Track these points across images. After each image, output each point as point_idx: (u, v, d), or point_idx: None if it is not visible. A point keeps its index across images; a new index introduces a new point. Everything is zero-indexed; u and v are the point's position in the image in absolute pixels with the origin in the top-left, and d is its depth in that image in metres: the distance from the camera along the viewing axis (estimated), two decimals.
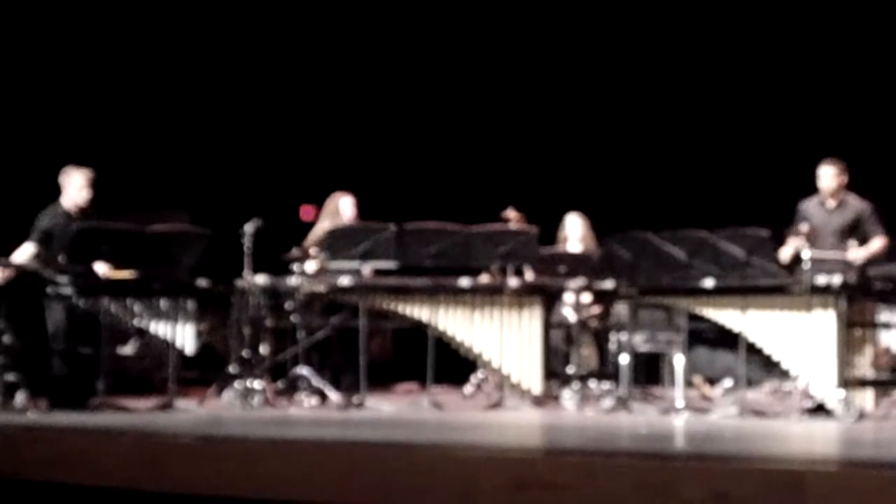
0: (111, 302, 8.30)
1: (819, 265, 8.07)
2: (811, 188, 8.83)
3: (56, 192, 8.68)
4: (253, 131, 12.52)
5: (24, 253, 8.46)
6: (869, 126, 11.12)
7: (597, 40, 12.30)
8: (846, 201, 8.52)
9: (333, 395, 8.83)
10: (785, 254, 8.18)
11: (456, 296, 8.79)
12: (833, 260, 8.28)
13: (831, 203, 8.51)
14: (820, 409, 7.74)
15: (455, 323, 8.79)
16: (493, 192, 10.63)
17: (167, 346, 8.57)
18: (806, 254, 7.90)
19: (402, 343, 11.63)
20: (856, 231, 8.47)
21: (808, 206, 8.61)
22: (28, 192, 9.68)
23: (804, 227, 8.13)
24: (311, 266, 9.04)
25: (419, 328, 8.99)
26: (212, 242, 8.53)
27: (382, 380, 11.14)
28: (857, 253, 8.34)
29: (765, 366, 8.51)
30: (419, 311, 8.77)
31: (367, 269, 8.88)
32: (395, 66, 12.57)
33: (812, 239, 8.20)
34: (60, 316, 8.44)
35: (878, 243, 8.43)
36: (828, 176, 8.48)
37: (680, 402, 8.24)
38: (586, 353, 9.44)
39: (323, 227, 9.36)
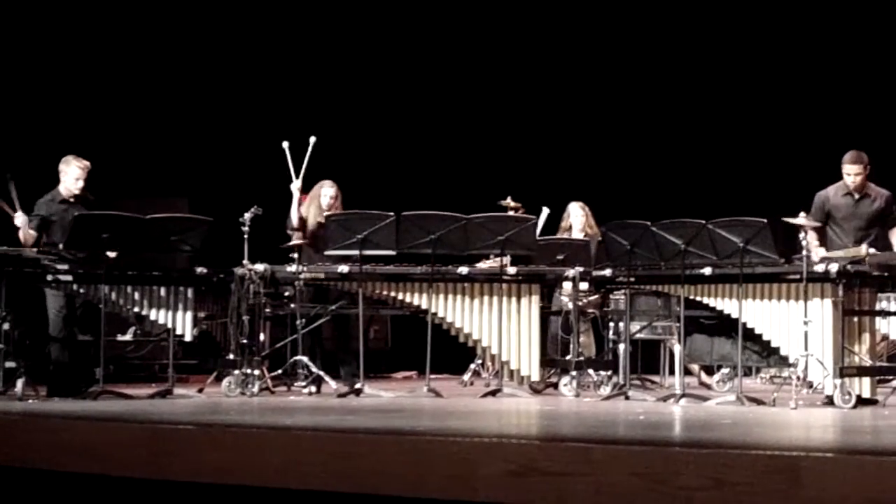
0: (110, 289, 8.31)
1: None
2: (807, 178, 8.84)
3: (54, 179, 8.70)
4: (252, 119, 12.51)
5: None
6: (867, 113, 11.13)
7: (596, 31, 12.30)
8: (869, 190, 8.54)
9: (332, 382, 8.86)
10: (813, 241, 8.27)
11: (454, 283, 8.82)
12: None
13: (857, 193, 8.52)
14: (829, 402, 7.75)
15: (453, 310, 8.81)
16: (491, 182, 10.64)
17: (166, 333, 8.59)
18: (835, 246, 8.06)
19: (400, 331, 11.66)
20: (879, 219, 8.50)
21: (831, 196, 8.60)
22: (28, 178, 9.69)
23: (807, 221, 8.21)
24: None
25: (417, 316, 9.01)
26: (211, 230, 8.54)
27: (380, 368, 11.17)
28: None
29: (762, 353, 8.53)
30: (418, 299, 8.80)
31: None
32: (394, 55, 12.56)
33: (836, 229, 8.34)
34: (60, 303, 8.46)
35: None
36: (854, 171, 8.46)
37: (678, 390, 8.26)
38: (584, 341, 9.46)
39: (309, 213, 9.42)
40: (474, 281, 8.84)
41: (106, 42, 12.24)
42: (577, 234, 9.81)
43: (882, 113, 11.09)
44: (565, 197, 10.09)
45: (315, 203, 9.42)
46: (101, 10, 12.18)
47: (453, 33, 12.47)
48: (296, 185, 9.45)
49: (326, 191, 9.44)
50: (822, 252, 8.31)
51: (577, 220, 9.88)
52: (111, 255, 8.39)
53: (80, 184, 8.63)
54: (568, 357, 8.91)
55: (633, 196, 11.29)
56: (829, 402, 7.72)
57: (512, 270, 8.92)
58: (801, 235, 8.08)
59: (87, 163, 8.65)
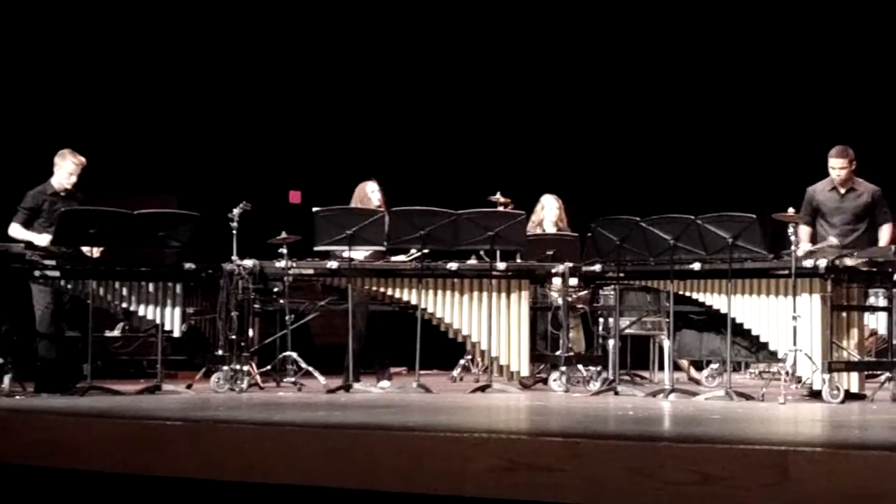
0: (98, 285, 8.29)
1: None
2: (796, 174, 8.84)
3: (44, 172, 8.68)
4: (242, 116, 12.49)
5: (22, 233, 8.47)
6: (856, 110, 11.16)
7: (584, 28, 12.30)
8: (856, 185, 8.56)
9: (321, 378, 8.85)
10: (804, 237, 8.30)
11: (444, 279, 8.81)
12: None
13: (843, 188, 8.54)
14: (816, 395, 7.76)
15: (443, 306, 8.80)
16: (481, 178, 10.64)
17: (155, 329, 8.57)
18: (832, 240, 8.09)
19: (389, 327, 11.64)
20: (867, 214, 8.52)
21: (818, 191, 8.62)
22: (18, 172, 9.68)
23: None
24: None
25: (406, 311, 9.00)
26: (200, 225, 8.52)
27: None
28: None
29: (751, 348, 8.54)
30: (407, 294, 8.79)
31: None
32: (382, 54, 12.55)
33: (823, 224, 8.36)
34: (47, 299, 8.43)
35: (886, 232, 8.52)
36: (839, 165, 8.49)
37: (667, 385, 8.27)
38: (574, 336, 9.46)
39: None
40: (464, 277, 8.84)
41: (95, 38, 12.20)
42: (549, 227, 9.79)
43: (871, 109, 11.11)
44: (556, 192, 10.07)
45: (365, 203, 9.33)
46: (91, 6, 12.14)
47: (442, 31, 12.46)
48: None
49: (372, 185, 9.37)
50: (806, 247, 8.33)
51: (551, 212, 9.84)
52: (95, 254, 8.37)
53: (73, 179, 8.62)
54: (557, 352, 8.91)
55: (622, 192, 11.30)
56: (816, 395, 7.74)
57: (501, 266, 8.91)
58: (791, 230, 8.09)
59: (84, 159, 8.64)
